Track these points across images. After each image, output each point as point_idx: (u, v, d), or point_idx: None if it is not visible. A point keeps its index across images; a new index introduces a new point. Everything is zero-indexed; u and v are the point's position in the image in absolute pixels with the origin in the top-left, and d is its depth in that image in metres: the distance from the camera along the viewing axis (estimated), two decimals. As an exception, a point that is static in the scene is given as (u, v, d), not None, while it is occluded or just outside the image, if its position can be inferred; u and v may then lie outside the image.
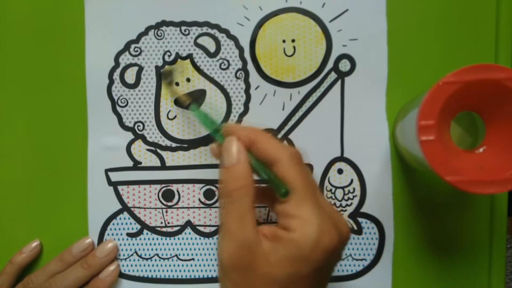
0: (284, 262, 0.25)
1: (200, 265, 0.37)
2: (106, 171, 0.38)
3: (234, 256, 0.25)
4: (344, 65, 0.36)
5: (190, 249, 0.38)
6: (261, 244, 0.26)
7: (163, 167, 0.38)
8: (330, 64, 0.36)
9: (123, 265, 0.38)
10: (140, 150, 0.38)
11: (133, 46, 0.37)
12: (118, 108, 0.38)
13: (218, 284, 0.27)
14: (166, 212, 0.38)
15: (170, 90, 0.37)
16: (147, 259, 0.38)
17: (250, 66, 0.37)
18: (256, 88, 0.37)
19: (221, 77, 0.37)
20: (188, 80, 0.37)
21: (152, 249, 0.38)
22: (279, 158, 0.27)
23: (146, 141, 0.38)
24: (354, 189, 0.36)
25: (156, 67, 0.37)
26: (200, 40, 0.37)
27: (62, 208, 0.38)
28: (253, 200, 0.27)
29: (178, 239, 0.38)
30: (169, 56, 0.37)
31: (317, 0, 0.36)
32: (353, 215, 0.37)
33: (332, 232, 0.26)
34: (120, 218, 0.38)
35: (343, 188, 0.37)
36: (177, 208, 0.38)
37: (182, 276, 0.38)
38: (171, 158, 0.38)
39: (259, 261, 0.25)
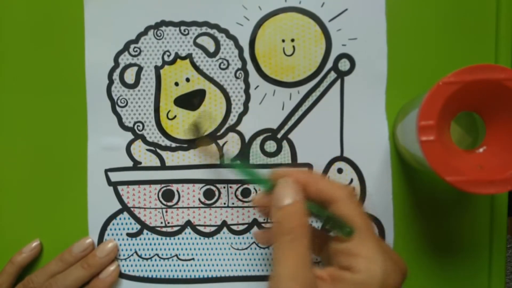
0: None
1: (200, 265, 0.37)
2: (106, 171, 0.38)
3: None
4: (344, 65, 0.36)
5: (190, 249, 0.38)
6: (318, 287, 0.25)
7: (163, 167, 0.38)
8: (329, 64, 0.36)
9: (123, 265, 0.38)
10: (140, 150, 0.38)
11: (132, 46, 0.37)
12: (118, 108, 0.38)
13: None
14: (166, 212, 0.38)
15: (200, 142, 0.37)
16: (147, 259, 0.38)
17: (250, 66, 0.37)
18: (255, 88, 0.37)
19: (221, 77, 0.37)
20: (187, 80, 0.37)
21: (152, 249, 0.38)
22: (336, 197, 0.26)
23: (145, 141, 0.38)
24: (354, 188, 0.36)
25: (156, 67, 0.37)
26: (200, 40, 0.37)
27: (62, 208, 0.38)
28: (310, 240, 0.25)
29: (178, 239, 0.38)
30: (168, 56, 0.37)
31: (316, -1, 0.36)
32: (353, 215, 0.37)
33: (396, 271, 0.25)
34: (120, 218, 0.38)
35: (343, 188, 0.37)
36: (177, 208, 0.38)
37: (182, 276, 0.38)
38: (171, 158, 0.37)
39: None
